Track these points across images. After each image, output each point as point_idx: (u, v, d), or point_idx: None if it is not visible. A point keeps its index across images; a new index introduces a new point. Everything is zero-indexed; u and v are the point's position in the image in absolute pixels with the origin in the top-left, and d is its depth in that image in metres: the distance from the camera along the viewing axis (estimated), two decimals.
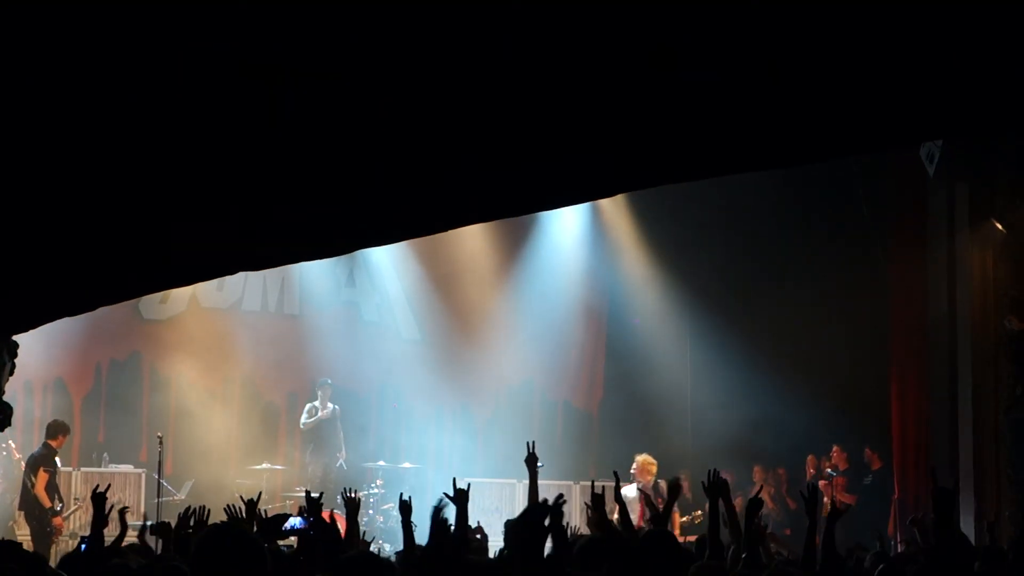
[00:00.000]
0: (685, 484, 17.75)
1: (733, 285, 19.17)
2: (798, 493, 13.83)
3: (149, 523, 10.07)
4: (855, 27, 2.73)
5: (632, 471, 17.22)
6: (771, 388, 18.25)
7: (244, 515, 7.44)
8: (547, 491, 17.47)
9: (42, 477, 14.96)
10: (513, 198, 4.37)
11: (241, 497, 8.01)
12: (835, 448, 17.24)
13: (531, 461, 9.45)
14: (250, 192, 4.51)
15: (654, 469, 16.30)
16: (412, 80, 3.25)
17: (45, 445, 15.27)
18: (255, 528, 6.86)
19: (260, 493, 9.17)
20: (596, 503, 8.34)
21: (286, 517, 6.57)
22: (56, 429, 15.43)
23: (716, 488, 8.17)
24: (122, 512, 8.62)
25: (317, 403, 18.30)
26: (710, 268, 19.58)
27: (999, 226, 15.94)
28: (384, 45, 3.05)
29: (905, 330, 17.59)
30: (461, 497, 7.35)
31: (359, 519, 8.94)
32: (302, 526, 8.43)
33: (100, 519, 7.65)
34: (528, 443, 9.41)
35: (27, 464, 15.22)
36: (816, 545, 7.43)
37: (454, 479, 8.01)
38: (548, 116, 3.38)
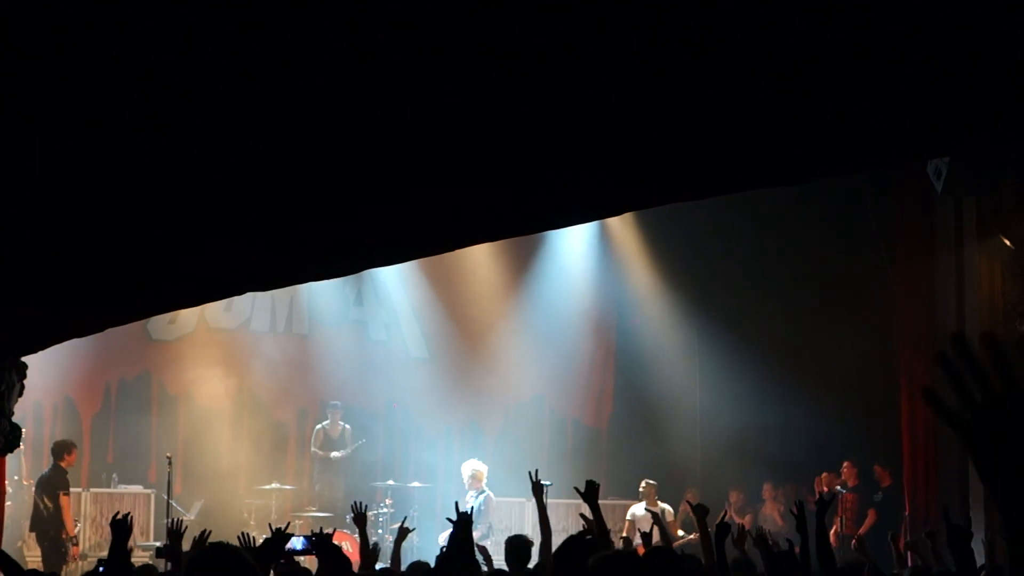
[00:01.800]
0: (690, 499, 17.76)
1: (741, 300, 19.16)
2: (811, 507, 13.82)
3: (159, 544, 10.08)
4: (860, 40, 2.74)
5: (640, 489, 17.23)
6: (780, 404, 18.23)
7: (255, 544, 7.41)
8: (557, 509, 17.55)
9: (65, 501, 15.00)
10: (518, 218, 4.37)
11: (247, 538, 7.96)
12: (846, 464, 17.21)
13: (537, 491, 9.41)
14: (258, 212, 4.52)
15: (482, 476, 16.45)
16: (417, 98, 3.25)
17: (56, 467, 15.27)
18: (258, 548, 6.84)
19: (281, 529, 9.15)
20: (589, 496, 8.28)
21: (288, 538, 6.54)
22: (63, 448, 15.43)
23: (703, 511, 8.42)
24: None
25: (327, 423, 18.34)
26: (717, 282, 19.57)
27: (1007, 241, 15.93)
28: (389, 60, 3.05)
29: (913, 343, 17.56)
30: (464, 521, 7.37)
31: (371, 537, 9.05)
32: (304, 547, 8.42)
33: (119, 545, 7.67)
34: (530, 472, 9.36)
35: (39, 486, 15.22)
36: (809, 557, 7.46)
37: (456, 503, 8.02)
38: (552, 135, 3.38)
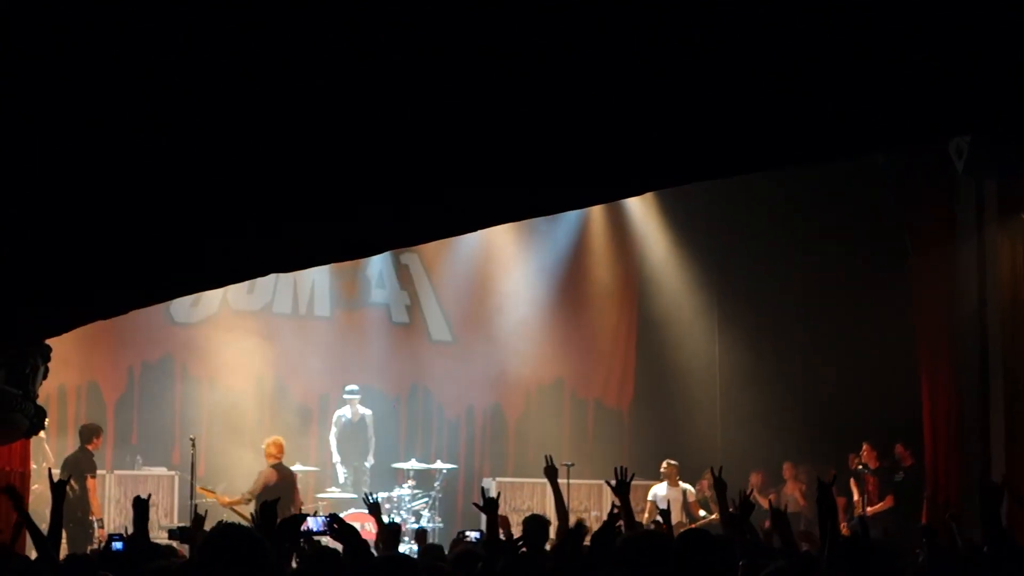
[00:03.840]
0: (704, 484, 17.75)
1: (761, 283, 19.15)
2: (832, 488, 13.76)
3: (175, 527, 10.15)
4: (860, 40, 2.75)
5: (662, 470, 17.24)
6: (801, 385, 18.23)
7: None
8: (579, 490, 17.53)
9: (92, 484, 15.11)
10: (533, 201, 4.41)
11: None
12: (865, 446, 17.16)
13: (551, 474, 9.46)
14: (278, 197, 4.56)
15: (275, 451, 15.98)
16: (417, 97, 3.28)
17: (83, 449, 15.36)
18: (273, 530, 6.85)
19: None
20: (621, 489, 8.33)
21: (304, 518, 6.55)
22: (90, 432, 15.52)
23: (722, 486, 8.49)
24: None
25: (346, 410, 18.31)
26: (738, 265, 19.58)
27: None
28: (389, 60, 3.07)
29: (934, 325, 17.52)
30: (491, 506, 7.42)
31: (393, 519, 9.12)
32: (321, 528, 8.44)
33: (142, 524, 7.84)
34: (546, 456, 9.42)
35: (65, 468, 15.29)
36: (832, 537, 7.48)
37: (483, 488, 8.08)
38: (555, 132, 3.41)
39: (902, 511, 16.68)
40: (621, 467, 8.31)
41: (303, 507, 16.01)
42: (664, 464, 17.25)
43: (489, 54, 2.90)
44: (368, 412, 18.38)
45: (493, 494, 7.68)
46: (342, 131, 3.55)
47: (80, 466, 15.11)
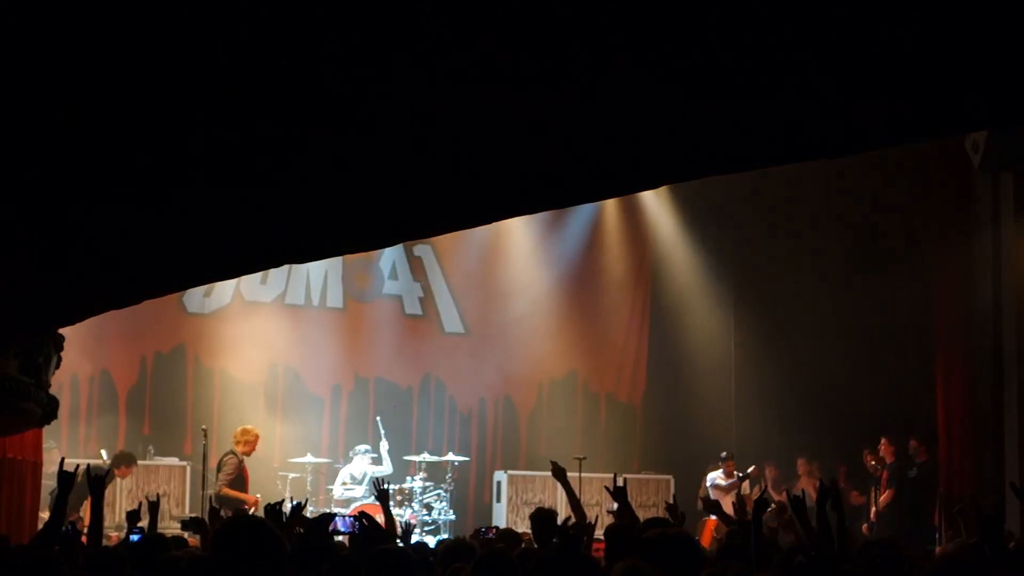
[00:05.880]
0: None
1: (777, 276, 19.10)
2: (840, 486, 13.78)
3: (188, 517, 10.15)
4: (859, 38, 2.71)
5: (720, 464, 17.35)
6: (815, 380, 18.18)
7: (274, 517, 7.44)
8: (591, 484, 17.46)
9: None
10: (547, 194, 4.40)
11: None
12: (883, 440, 17.12)
13: (560, 474, 9.53)
14: (289, 190, 4.55)
15: (250, 438, 15.35)
16: (420, 96, 3.26)
17: (109, 470, 15.17)
18: (300, 529, 6.83)
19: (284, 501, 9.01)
20: (620, 494, 8.42)
21: (332, 517, 6.52)
22: (122, 459, 15.43)
23: (743, 504, 8.64)
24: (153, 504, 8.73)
25: (358, 468, 17.54)
26: (753, 261, 19.54)
27: None
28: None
29: (950, 321, 17.49)
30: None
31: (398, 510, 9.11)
32: (349, 528, 8.45)
33: (155, 525, 8.00)
34: (552, 462, 9.62)
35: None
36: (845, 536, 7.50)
37: (477, 530, 8.23)
38: (561, 120, 3.38)
39: (915, 505, 16.64)
40: (615, 474, 8.51)
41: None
42: (723, 457, 17.43)
43: (488, 54, 2.89)
44: (385, 470, 17.32)
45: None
46: (353, 125, 3.54)
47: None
